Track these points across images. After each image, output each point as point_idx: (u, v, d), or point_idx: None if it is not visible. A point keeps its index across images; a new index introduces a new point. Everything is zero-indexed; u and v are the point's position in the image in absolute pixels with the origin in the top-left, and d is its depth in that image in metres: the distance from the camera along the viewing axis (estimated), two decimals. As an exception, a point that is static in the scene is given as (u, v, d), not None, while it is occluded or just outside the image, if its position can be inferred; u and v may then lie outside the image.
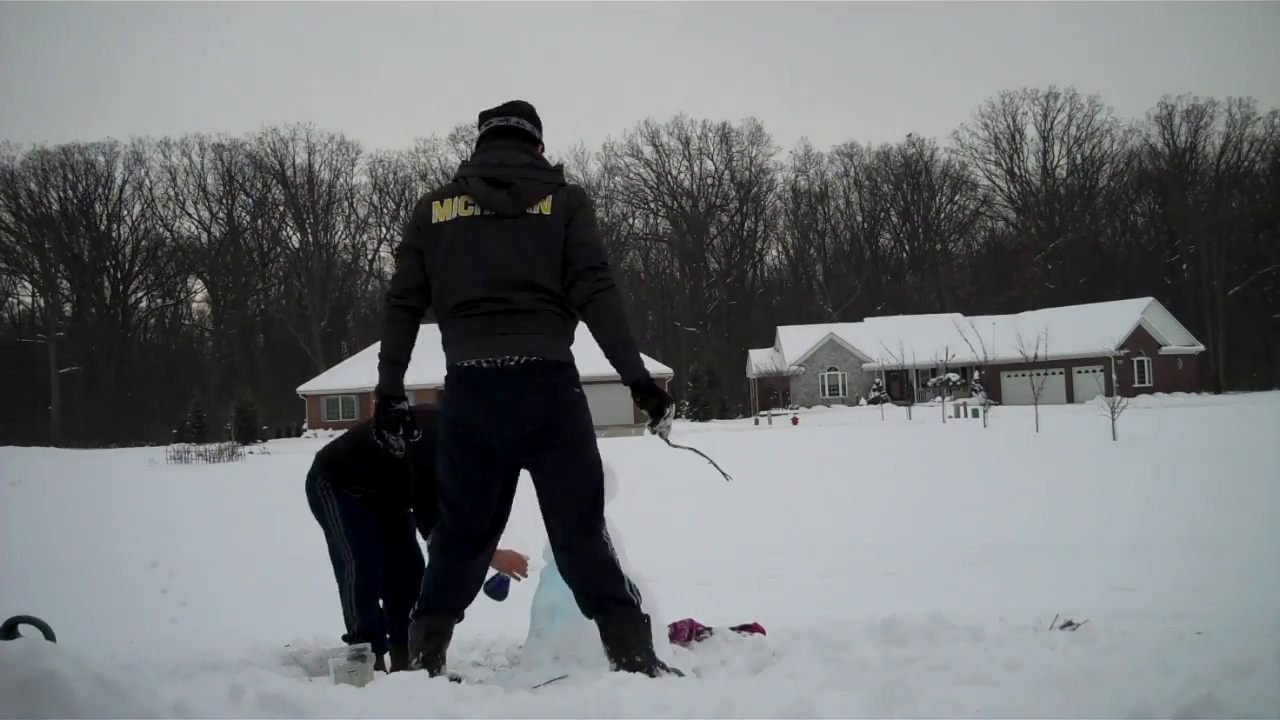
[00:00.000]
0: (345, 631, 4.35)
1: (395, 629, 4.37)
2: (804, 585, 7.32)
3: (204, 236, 71.92)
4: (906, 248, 76.42)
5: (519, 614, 4.41)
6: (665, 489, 12.23)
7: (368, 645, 4.37)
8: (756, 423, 42.48)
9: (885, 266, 75.64)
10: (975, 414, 33.68)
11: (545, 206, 3.49)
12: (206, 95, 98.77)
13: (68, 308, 69.55)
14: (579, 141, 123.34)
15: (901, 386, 53.74)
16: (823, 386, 54.97)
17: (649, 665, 3.49)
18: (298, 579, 8.56)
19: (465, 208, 3.53)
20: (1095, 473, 14.99)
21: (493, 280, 3.47)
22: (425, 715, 2.72)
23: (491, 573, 4.17)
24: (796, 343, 55.81)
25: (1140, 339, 50.18)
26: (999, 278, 67.75)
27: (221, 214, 71.25)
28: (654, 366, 48.68)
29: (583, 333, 3.63)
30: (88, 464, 27.49)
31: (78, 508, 16.01)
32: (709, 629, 4.64)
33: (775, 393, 54.27)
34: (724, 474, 3.92)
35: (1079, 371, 50.36)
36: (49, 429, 58.14)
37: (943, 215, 75.42)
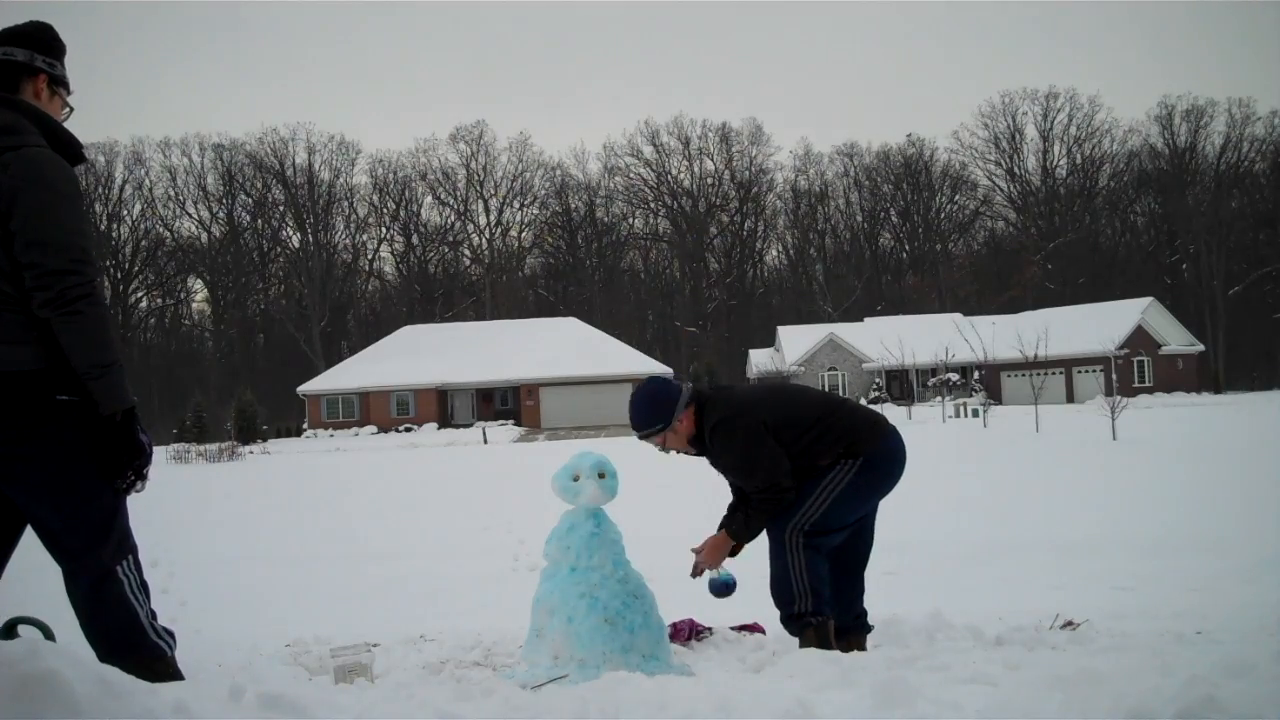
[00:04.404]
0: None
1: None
2: (804, 585, 7.30)
3: (204, 236, 72.05)
4: (906, 248, 76.41)
5: (519, 614, 4.41)
6: (665, 489, 12.23)
7: (367, 645, 4.39)
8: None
9: (885, 266, 75.63)
10: (975, 414, 33.68)
11: None
12: (206, 95, 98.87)
13: (67, 308, 69.52)
14: (579, 141, 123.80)
15: (901, 386, 53.75)
16: (823, 386, 54.89)
17: None
18: (298, 579, 8.58)
19: None
20: (1095, 473, 14.98)
21: None
22: (425, 715, 2.72)
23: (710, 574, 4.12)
24: (796, 343, 55.80)
25: (1140, 339, 50.14)
26: (999, 278, 67.75)
27: (221, 214, 71.39)
28: (654, 366, 48.60)
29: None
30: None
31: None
32: (709, 629, 4.64)
33: (775, 393, 54.32)
34: None
35: (1079, 371, 50.32)
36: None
37: (943, 215, 75.42)
